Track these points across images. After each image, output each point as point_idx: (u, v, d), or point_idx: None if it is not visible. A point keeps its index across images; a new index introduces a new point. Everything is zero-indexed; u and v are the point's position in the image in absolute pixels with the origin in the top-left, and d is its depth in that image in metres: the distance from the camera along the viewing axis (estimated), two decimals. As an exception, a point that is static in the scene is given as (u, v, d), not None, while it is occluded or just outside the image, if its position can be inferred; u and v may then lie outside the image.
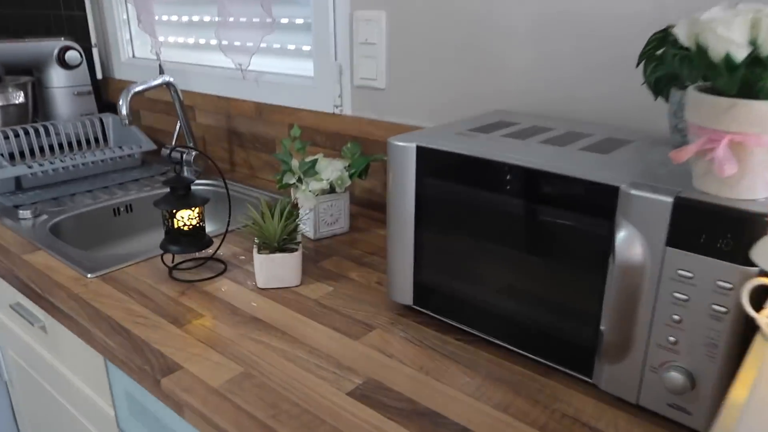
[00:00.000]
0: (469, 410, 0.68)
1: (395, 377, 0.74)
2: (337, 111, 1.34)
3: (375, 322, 0.86)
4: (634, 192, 0.60)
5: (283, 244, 0.96)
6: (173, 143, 1.61)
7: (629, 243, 0.61)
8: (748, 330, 0.57)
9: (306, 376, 0.74)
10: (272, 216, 0.94)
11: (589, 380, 0.70)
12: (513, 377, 0.74)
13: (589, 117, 0.98)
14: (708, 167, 0.57)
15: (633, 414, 0.67)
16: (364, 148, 1.26)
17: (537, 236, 0.70)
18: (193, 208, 0.99)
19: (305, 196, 1.11)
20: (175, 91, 1.48)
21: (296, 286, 0.96)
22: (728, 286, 0.56)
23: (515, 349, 0.77)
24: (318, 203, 1.13)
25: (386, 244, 0.86)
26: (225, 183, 1.03)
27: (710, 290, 0.57)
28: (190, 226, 0.99)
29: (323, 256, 1.08)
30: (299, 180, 1.13)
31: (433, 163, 0.78)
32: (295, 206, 0.99)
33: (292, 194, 1.18)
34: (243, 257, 1.07)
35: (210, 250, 1.08)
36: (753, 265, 0.54)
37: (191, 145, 1.54)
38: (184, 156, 1.50)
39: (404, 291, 0.86)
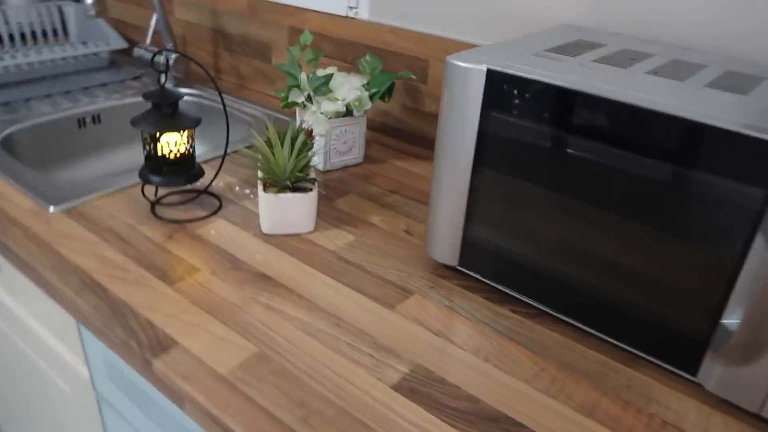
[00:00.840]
0: (547, 414, 0.54)
1: (448, 364, 0.59)
2: (351, 14, 1.11)
3: (411, 284, 0.70)
4: (818, 154, 0.44)
5: (295, 182, 0.77)
6: (147, 41, 1.36)
7: (798, 222, 0.45)
8: None
9: (337, 360, 0.58)
10: (281, 146, 0.76)
11: (692, 378, 0.57)
12: (592, 367, 0.60)
13: (682, 41, 0.80)
14: None
15: (749, 423, 0.54)
16: (384, 61, 1.05)
17: (646, 197, 0.54)
18: (181, 132, 0.79)
19: (317, 120, 0.92)
20: (150, -23, 1.22)
21: (309, 233, 0.79)
22: None
23: (592, 330, 0.63)
24: (330, 128, 0.94)
25: (432, 187, 0.69)
26: (221, 96, 0.83)
27: None
28: (178, 154, 0.80)
29: (337, 193, 0.90)
30: (309, 99, 0.93)
31: (507, 93, 0.60)
32: (310, 135, 0.80)
33: (297, 115, 0.98)
34: (241, 191, 0.89)
35: (201, 182, 0.89)
36: None
37: (171, 45, 1.30)
38: (166, 59, 1.27)
39: (449, 248, 0.70)
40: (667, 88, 0.55)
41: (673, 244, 0.54)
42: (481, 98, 0.61)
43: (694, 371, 0.57)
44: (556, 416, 0.54)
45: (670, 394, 0.57)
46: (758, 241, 0.48)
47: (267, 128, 0.77)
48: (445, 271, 0.73)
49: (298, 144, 0.76)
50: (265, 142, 0.77)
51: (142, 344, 0.58)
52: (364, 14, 1.10)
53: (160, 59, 1.25)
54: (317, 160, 0.96)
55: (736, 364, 0.52)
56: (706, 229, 0.51)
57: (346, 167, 0.99)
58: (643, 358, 0.60)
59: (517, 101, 0.59)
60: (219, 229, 0.79)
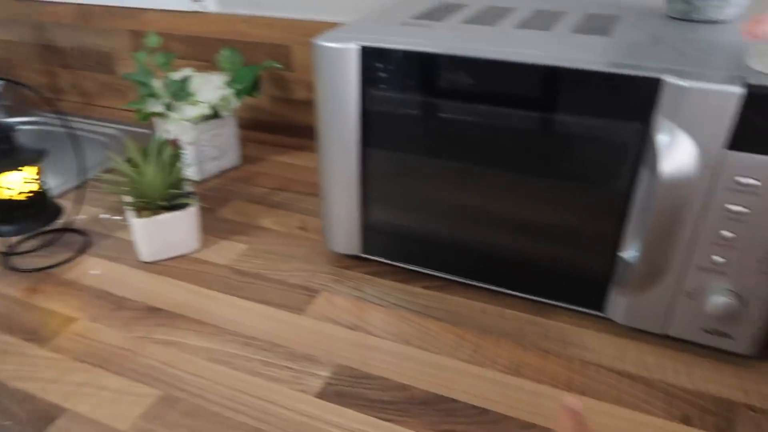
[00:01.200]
0: (478, 383, 0.53)
1: (370, 357, 0.57)
2: (197, 7, 1.03)
3: (316, 283, 0.67)
4: (685, 84, 0.45)
5: (170, 199, 0.71)
6: (-34, 72, 1.19)
7: (674, 149, 0.47)
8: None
9: (254, 382, 0.54)
10: (147, 163, 0.68)
11: (602, 314, 0.59)
12: (509, 326, 0.60)
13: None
14: (779, 38, 0.43)
15: (659, 345, 0.57)
16: (243, 54, 0.99)
17: (532, 149, 0.54)
18: (25, 168, 0.69)
19: (181, 128, 0.84)
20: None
21: (196, 251, 0.73)
22: (803, 189, 0.45)
23: (500, 289, 0.63)
24: (198, 134, 0.87)
25: (320, 178, 0.65)
26: (61, 118, 0.73)
27: (777, 197, 0.46)
28: (28, 194, 0.70)
29: (218, 203, 0.84)
30: (168, 106, 0.86)
31: (384, 68, 0.57)
32: (176, 144, 0.73)
33: (156, 126, 0.90)
34: (110, 220, 0.80)
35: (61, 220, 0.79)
36: (839, 160, 0.43)
37: (-6, 72, 1.15)
38: (-13, 89, 1.11)
39: (349, 237, 0.67)
40: (536, 40, 0.55)
41: (565, 190, 0.54)
42: (358, 77, 0.58)
43: (602, 307, 0.58)
44: (486, 382, 0.53)
45: (584, 333, 0.59)
46: (643, 173, 0.50)
47: (127, 145, 0.69)
48: (348, 261, 0.70)
49: (165, 158, 0.69)
50: (127, 161, 0.69)
51: (21, 422, 0.50)
52: (211, 6, 1.03)
53: (-15, 89, 1.10)
54: (190, 171, 0.89)
55: (638, 292, 0.54)
56: (594, 171, 0.52)
57: (223, 172, 0.93)
58: (555, 306, 0.62)
59: (395, 75, 0.57)
60: (92, 268, 0.70)
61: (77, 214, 0.81)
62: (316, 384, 0.54)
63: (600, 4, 0.68)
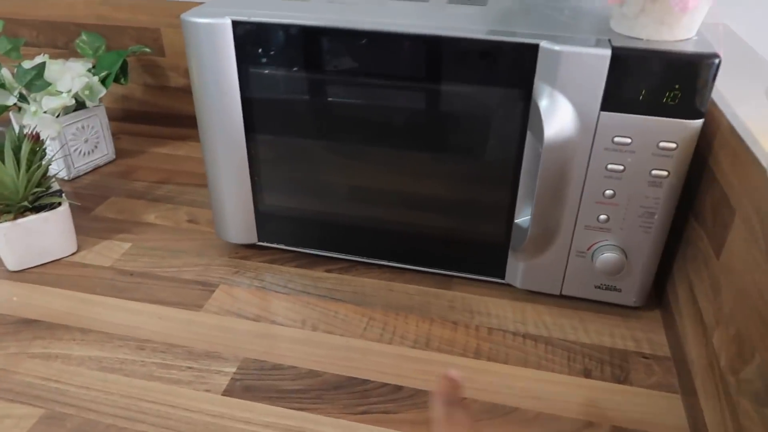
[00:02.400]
0: (389, 361, 0.53)
1: (278, 347, 0.54)
2: (48, -11, 0.93)
3: (212, 276, 0.63)
4: (560, 48, 0.47)
5: (35, 200, 0.63)
6: None
7: (555, 113, 0.49)
8: (682, 190, 0.51)
9: (153, 387, 0.50)
10: (3, 162, 0.61)
11: (502, 281, 0.61)
12: (414, 300, 0.60)
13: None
14: (644, 4, 0.46)
15: (556, 305, 0.60)
16: (106, 39, 0.91)
17: (418, 123, 0.54)
18: None
19: (42, 121, 0.76)
20: None
21: (73, 255, 0.66)
22: (672, 146, 0.48)
23: (403, 266, 0.63)
24: (62, 128, 0.78)
25: (206, 166, 0.62)
26: None
27: (650, 155, 0.49)
28: None
29: (94, 201, 0.77)
30: (23, 98, 0.77)
31: (261, 44, 0.54)
32: (38, 139, 0.65)
33: (14, 121, 0.81)
34: (-37, 229, 0.70)
35: None
36: (701, 116, 0.47)
37: None
38: None
39: (243, 226, 0.64)
40: (414, 11, 0.55)
41: (455, 162, 0.55)
42: (233, 55, 0.55)
43: (501, 274, 0.60)
44: (397, 359, 0.53)
45: (488, 301, 0.60)
46: (528, 139, 0.52)
47: (-25, 144, 0.61)
48: (245, 251, 0.67)
49: (24, 155, 0.62)
50: (-23, 161, 0.61)
51: None
52: (64, -12, 0.93)
53: None
54: (57, 168, 0.80)
55: (534, 256, 0.57)
56: (482, 141, 0.53)
57: (97, 168, 0.85)
58: (458, 277, 0.63)
59: (272, 50, 0.54)
60: (-54, 284, 0.61)
61: None
62: (222, 381, 0.51)
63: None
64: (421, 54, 0.51)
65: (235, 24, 0.53)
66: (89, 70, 0.81)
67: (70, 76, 0.78)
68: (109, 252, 0.67)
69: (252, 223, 0.64)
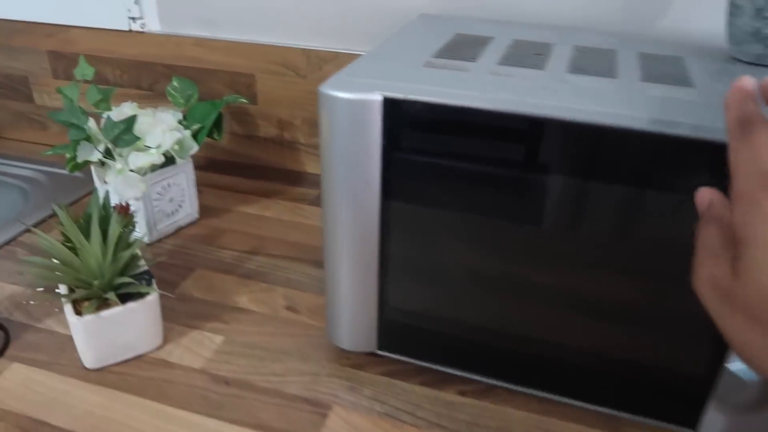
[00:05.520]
0: None
1: None
2: (136, 27, 0.85)
3: (323, 392, 0.52)
4: None
5: (120, 286, 0.54)
6: None
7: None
8: None
9: None
10: (88, 237, 0.51)
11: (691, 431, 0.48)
12: (577, 446, 0.48)
13: (546, 19, 0.70)
14: None
15: (764, 469, 0.46)
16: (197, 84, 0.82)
17: (607, 232, 0.42)
18: None
19: (127, 181, 0.67)
20: None
21: (158, 349, 0.56)
22: None
23: (559, 398, 0.51)
24: (148, 187, 0.70)
25: (324, 255, 0.51)
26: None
27: None
28: None
29: (179, 274, 0.67)
30: (108, 153, 0.68)
31: (419, 128, 0.44)
32: (125, 212, 0.56)
33: (95, 177, 0.72)
34: (39, 304, 0.62)
35: (-35, 305, 0.60)
36: None
37: None
38: None
39: (361, 331, 0.53)
40: (603, 91, 0.44)
41: (646, 279, 0.43)
42: (379, 138, 0.44)
43: (692, 424, 0.47)
44: None
45: (674, 455, 0.47)
46: None
47: (61, 215, 0.52)
48: (359, 357, 0.56)
49: (114, 236, 0.52)
50: (63, 241, 0.52)
51: None
52: (153, 25, 0.85)
53: None
54: (140, 232, 0.71)
55: (750, 412, 0.44)
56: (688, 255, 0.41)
57: (179, 230, 0.76)
58: (629, 420, 0.50)
59: (431, 136, 0.44)
60: (14, 381, 0.52)
61: (-11, 298, 0.62)
62: None
63: (647, 42, 0.57)
64: (629, 150, 0.40)
65: (388, 102, 0.43)
66: (180, 122, 0.72)
67: (161, 129, 0.69)
68: (199, 348, 0.57)
69: (373, 329, 0.53)
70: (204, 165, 0.90)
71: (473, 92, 0.43)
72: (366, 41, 0.77)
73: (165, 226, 0.74)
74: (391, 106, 0.43)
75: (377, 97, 0.43)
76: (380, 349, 0.54)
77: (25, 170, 0.89)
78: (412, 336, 0.53)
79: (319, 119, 0.45)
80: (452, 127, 0.43)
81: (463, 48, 0.54)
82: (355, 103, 0.43)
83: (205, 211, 0.79)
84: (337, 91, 0.44)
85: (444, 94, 0.42)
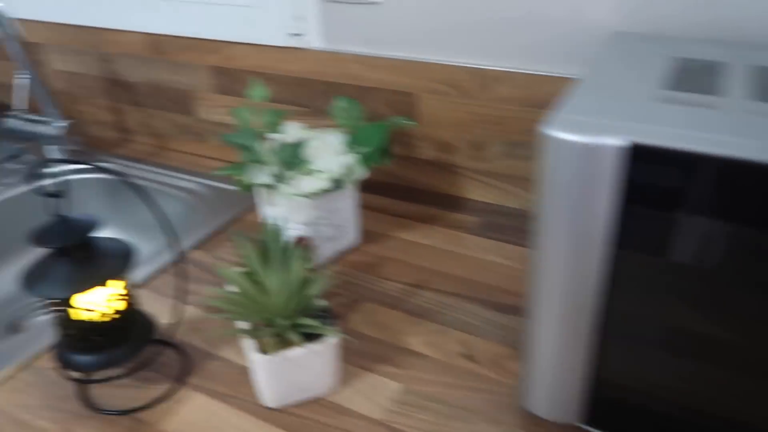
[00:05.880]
0: None
1: None
2: (295, 43, 0.84)
3: (515, 461, 0.47)
4: None
5: (303, 326, 0.51)
6: (21, 106, 1.02)
7: None
8: None
9: None
10: (270, 272, 0.49)
11: None
12: None
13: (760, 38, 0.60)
14: None
15: None
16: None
17: None
18: (108, 283, 0.50)
19: (295, 205, 0.65)
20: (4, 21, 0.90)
21: (333, 393, 0.54)
22: None
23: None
24: (315, 212, 0.68)
25: (528, 307, 0.45)
26: (142, 195, 0.55)
27: None
28: (113, 315, 0.51)
29: (345, 306, 0.65)
30: (278, 177, 0.67)
31: (667, 177, 0.37)
32: (306, 244, 0.54)
33: (261, 198, 0.72)
34: (210, 333, 0.61)
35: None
36: None
37: (53, 108, 0.98)
38: (46, 126, 0.95)
39: (564, 399, 0.47)
40: None
41: None
42: (610, 188, 0.38)
43: None
44: None
45: None
46: None
47: (246, 249, 0.50)
48: (556, 427, 0.50)
49: (298, 273, 0.50)
50: (244, 274, 0.50)
51: None
52: (314, 42, 0.84)
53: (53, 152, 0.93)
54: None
55: None
56: None
57: (341, 256, 0.73)
58: None
59: (687, 184, 0.37)
60: (197, 413, 0.51)
61: (173, 319, 0.62)
62: None
63: None
64: None
65: (637, 149, 0.36)
66: (348, 146, 0.70)
67: (329, 153, 0.67)
68: (375, 394, 0.53)
69: (576, 399, 0.47)
70: (363, 186, 0.87)
71: (742, 139, 0.35)
72: (548, 61, 0.70)
73: (327, 251, 0.72)
74: (637, 153, 0.36)
75: (618, 143, 0.37)
76: (584, 422, 0.48)
77: (189, 182, 0.91)
78: (625, 412, 0.46)
79: (540, 161, 0.40)
80: (711, 180, 0.36)
81: (695, 77, 0.46)
82: (589, 148, 0.37)
83: (365, 236, 0.76)
84: (567, 133, 0.38)
85: (706, 141, 0.35)
